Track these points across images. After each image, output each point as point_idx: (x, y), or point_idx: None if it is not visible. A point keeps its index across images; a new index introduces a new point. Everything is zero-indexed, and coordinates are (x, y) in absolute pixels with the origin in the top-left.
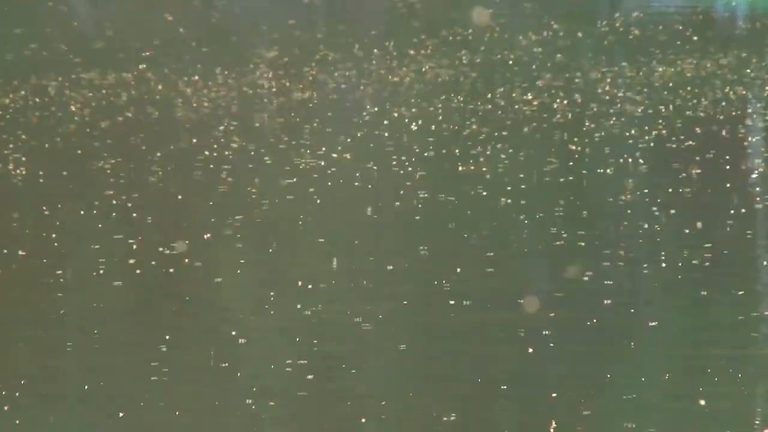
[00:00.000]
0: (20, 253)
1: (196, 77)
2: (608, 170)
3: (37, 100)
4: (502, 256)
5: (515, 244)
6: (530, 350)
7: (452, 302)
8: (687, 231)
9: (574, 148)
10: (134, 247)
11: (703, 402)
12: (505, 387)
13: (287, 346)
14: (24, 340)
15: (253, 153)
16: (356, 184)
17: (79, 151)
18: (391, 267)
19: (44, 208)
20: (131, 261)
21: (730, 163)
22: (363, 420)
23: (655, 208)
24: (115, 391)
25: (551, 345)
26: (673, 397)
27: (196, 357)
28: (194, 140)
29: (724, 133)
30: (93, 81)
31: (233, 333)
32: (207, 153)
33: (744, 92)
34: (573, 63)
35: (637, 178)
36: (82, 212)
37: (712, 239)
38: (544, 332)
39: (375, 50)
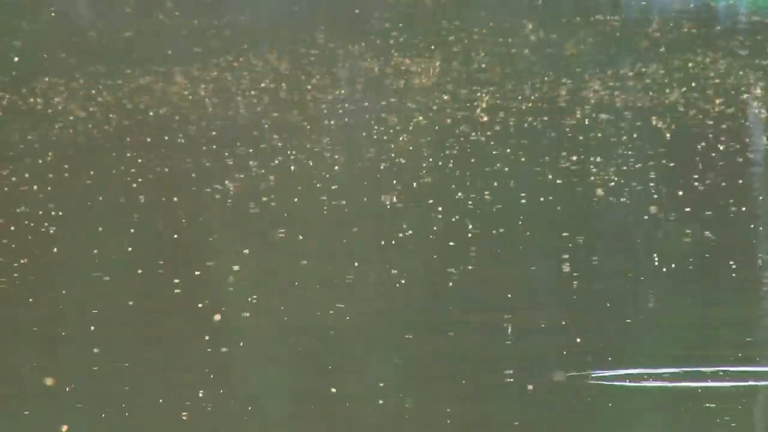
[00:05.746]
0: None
1: (196, 71)
2: (609, 170)
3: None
4: (502, 255)
5: (515, 243)
6: (528, 347)
7: (455, 303)
8: (687, 230)
9: (575, 147)
10: (133, 244)
11: (702, 402)
12: (503, 381)
13: (287, 347)
14: (22, 339)
15: (253, 153)
16: (355, 184)
17: (80, 149)
18: (391, 268)
19: (50, 206)
20: (131, 260)
21: (730, 163)
22: (361, 420)
23: (654, 208)
24: (114, 391)
25: (548, 344)
26: (673, 397)
27: (195, 360)
28: (187, 137)
29: (724, 131)
30: (96, 79)
31: (234, 334)
32: (207, 153)
33: (743, 90)
34: (574, 63)
35: (638, 178)
36: (78, 213)
37: (712, 239)
38: (541, 330)
39: (376, 47)
